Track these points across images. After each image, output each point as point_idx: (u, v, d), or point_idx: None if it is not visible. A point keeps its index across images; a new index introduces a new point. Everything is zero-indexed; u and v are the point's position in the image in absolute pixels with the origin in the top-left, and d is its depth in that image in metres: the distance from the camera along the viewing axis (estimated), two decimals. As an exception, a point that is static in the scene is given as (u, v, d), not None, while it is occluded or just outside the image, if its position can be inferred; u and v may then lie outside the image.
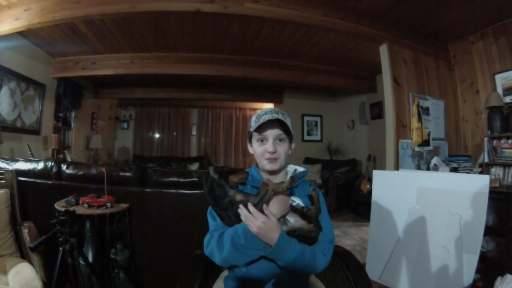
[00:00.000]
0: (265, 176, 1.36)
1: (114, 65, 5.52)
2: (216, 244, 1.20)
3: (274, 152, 1.28)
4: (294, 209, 1.26)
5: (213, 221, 1.29)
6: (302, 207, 1.28)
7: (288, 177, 1.36)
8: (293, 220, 1.25)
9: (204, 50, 5.34)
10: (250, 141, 1.38)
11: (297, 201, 1.33)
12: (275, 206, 1.19)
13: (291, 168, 1.43)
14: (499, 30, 3.93)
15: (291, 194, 1.32)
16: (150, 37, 4.75)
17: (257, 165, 1.41)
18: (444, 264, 1.98)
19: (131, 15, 3.69)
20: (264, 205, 1.16)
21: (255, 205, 1.16)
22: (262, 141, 1.31)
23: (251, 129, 1.33)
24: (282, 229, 1.18)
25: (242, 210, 1.15)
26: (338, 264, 1.48)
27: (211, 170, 1.23)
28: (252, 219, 1.13)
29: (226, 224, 1.23)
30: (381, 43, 4.04)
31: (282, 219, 1.22)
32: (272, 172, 1.35)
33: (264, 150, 1.30)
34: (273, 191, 1.19)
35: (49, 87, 5.41)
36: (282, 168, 1.37)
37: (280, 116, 1.27)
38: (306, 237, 1.22)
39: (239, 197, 1.19)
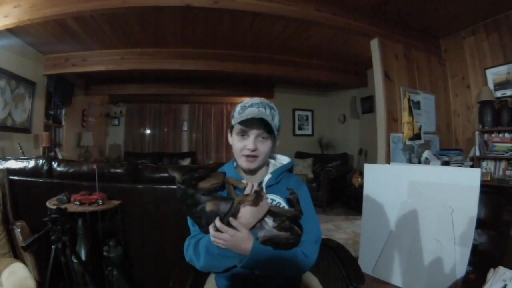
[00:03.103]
0: (242, 175, 1.30)
1: (105, 61, 5.46)
2: (193, 252, 1.19)
3: (254, 150, 1.20)
4: (272, 213, 1.16)
5: (192, 226, 1.26)
6: (276, 218, 1.16)
7: (268, 173, 1.28)
8: (271, 223, 1.16)
9: (195, 45, 5.31)
10: (232, 131, 1.28)
11: (277, 199, 1.25)
12: (245, 217, 1.12)
13: (275, 162, 1.36)
14: (491, 25, 3.97)
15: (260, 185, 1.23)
16: (141, 33, 4.71)
17: (235, 160, 1.31)
18: (436, 257, 1.99)
19: (121, 10, 3.65)
20: (231, 219, 1.09)
21: (222, 219, 1.09)
22: (243, 135, 1.22)
23: (233, 121, 1.24)
24: (258, 236, 1.13)
25: (210, 229, 1.10)
26: (331, 257, 1.48)
27: (176, 181, 1.15)
28: (219, 235, 1.08)
29: (203, 231, 1.18)
30: (372, 37, 4.05)
31: (258, 223, 1.15)
32: (250, 171, 1.28)
33: (243, 146, 1.21)
34: (239, 203, 1.11)
35: (39, 85, 5.35)
36: (262, 166, 1.29)
37: (267, 113, 1.20)
38: (284, 244, 1.13)
39: (209, 206, 1.11)
